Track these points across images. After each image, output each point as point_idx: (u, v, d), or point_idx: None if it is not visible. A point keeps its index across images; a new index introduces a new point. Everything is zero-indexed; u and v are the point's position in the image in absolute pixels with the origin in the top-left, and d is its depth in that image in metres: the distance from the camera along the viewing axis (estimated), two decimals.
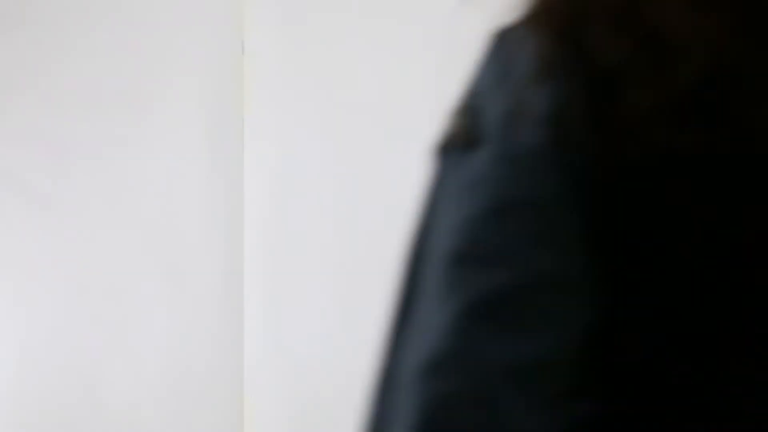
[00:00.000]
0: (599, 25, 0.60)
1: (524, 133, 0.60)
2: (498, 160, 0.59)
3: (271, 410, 3.15)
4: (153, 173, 3.12)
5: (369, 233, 2.85)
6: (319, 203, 3.00)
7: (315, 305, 2.95)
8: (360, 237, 2.89)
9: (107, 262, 3.08)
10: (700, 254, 0.58)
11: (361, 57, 3.17)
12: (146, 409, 3.09)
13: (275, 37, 3.17)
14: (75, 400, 3.05)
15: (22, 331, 3.04)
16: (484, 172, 0.60)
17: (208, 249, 3.14)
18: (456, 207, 0.60)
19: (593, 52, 0.59)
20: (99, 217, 3.09)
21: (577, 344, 0.58)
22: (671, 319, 0.58)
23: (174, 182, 3.13)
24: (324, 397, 2.89)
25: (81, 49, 3.12)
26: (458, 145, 0.64)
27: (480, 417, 0.55)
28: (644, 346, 0.59)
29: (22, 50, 3.11)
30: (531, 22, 0.66)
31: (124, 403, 3.07)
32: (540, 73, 0.60)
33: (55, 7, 3.16)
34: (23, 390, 3.04)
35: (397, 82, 3.16)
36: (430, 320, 0.58)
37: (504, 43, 0.70)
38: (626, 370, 0.59)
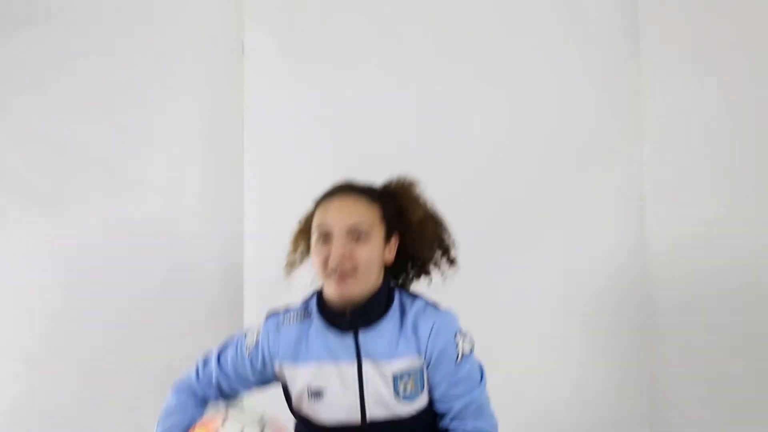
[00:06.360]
0: None
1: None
2: (254, 354, 2.21)
3: None
4: (153, 173, 3.12)
5: None
6: None
7: None
8: None
9: (107, 262, 3.08)
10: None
11: (360, 57, 3.18)
12: (146, 409, 3.09)
13: (275, 37, 3.18)
14: (74, 400, 3.05)
15: (22, 330, 3.04)
16: (244, 343, 2.23)
17: (208, 249, 3.15)
18: (234, 352, 2.24)
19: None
20: (99, 217, 3.09)
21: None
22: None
23: (174, 182, 3.13)
24: None
25: (82, 50, 3.13)
26: (251, 344, 2.22)
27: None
28: None
29: (23, 52, 3.12)
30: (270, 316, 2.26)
31: (124, 403, 3.07)
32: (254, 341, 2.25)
33: (55, 9, 3.16)
34: (23, 389, 3.04)
35: (395, 82, 3.17)
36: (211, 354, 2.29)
37: (271, 318, 2.24)
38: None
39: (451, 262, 2.26)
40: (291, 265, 2.24)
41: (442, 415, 2.14)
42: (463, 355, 2.10)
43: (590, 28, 3.16)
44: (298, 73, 3.16)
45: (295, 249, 2.25)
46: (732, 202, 2.95)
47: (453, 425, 2.12)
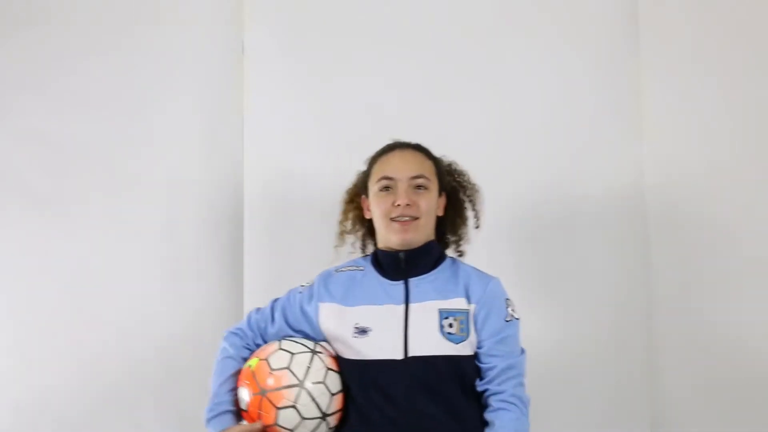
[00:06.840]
0: None
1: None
2: (306, 294, 2.35)
3: None
4: (153, 173, 3.12)
5: None
6: (318, 202, 3.00)
7: None
8: None
9: (107, 261, 3.08)
10: None
11: (361, 57, 3.17)
12: (146, 409, 3.09)
13: (275, 37, 3.18)
14: (74, 400, 3.05)
15: (21, 330, 3.04)
16: (298, 288, 2.39)
17: (208, 249, 3.14)
18: (287, 297, 2.38)
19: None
20: (99, 217, 3.09)
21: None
22: None
23: (174, 182, 3.13)
24: None
25: (82, 50, 3.13)
26: (306, 286, 2.35)
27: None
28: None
29: (23, 51, 3.12)
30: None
31: (124, 403, 3.07)
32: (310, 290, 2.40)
33: (55, 9, 3.16)
34: (23, 389, 3.04)
35: (395, 82, 3.17)
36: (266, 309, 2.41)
37: (324, 271, 2.39)
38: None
39: (460, 253, 2.42)
40: (342, 234, 2.39)
41: (484, 375, 2.21)
42: (512, 317, 2.25)
43: (590, 28, 3.16)
44: (298, 73, 3.16)
45: (346, 218, 2.39)
46: (732, 202, 2.95)
47: (493, 387, 2.20)
